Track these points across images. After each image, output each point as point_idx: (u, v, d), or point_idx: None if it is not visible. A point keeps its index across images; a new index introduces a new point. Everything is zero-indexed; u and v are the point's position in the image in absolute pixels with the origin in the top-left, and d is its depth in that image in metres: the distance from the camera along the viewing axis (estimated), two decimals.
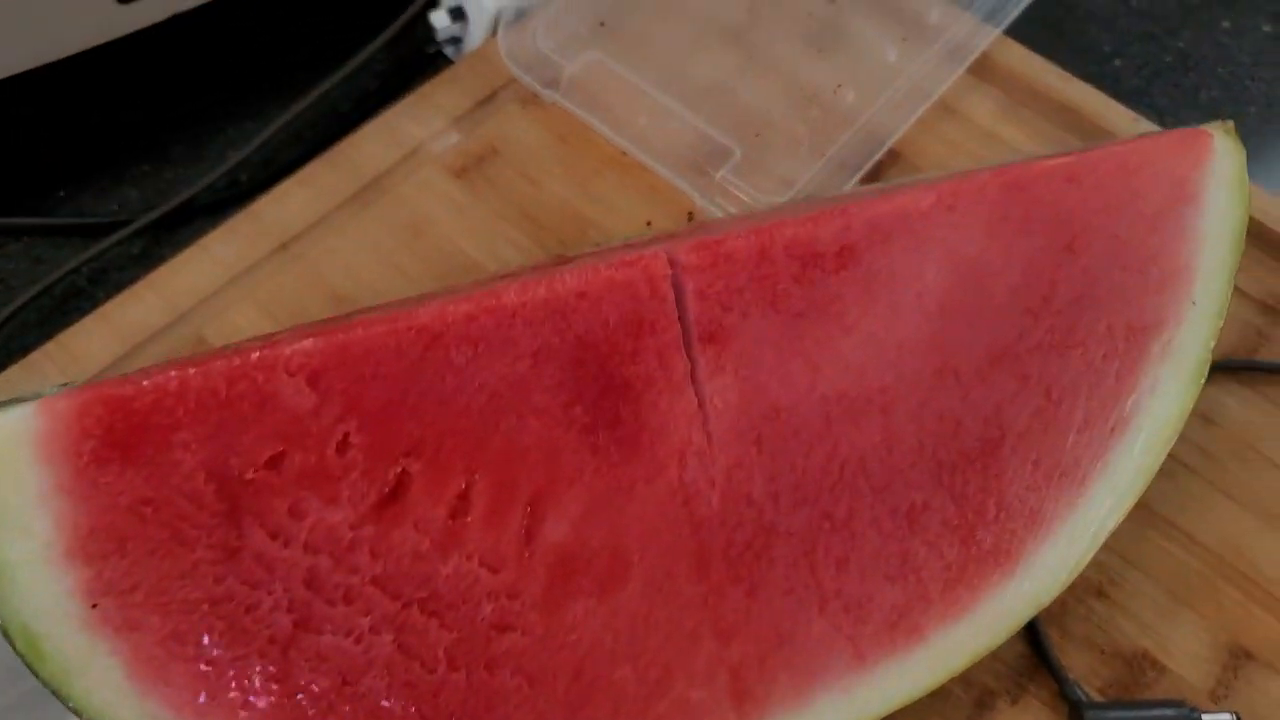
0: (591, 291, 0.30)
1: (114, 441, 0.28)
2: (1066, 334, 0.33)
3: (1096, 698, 0.38)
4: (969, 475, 0.32)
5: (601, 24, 0.53)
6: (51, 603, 0.27)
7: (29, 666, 0.28)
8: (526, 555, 0.30)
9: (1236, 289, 0.47)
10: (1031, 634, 0.39)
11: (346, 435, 0.29)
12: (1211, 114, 0.56)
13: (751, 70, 0.52)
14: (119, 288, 0.49)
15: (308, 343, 0.29)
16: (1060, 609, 0.40)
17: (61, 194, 0.52)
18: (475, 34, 0.54)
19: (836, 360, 0.32)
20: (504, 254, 0.48)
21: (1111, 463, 0.33)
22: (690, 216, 0.49)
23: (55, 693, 0.28)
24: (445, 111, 0.52)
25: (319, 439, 0.29)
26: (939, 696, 0.37)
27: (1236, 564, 0.41)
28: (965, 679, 0.38)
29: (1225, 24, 0.60)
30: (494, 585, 0.30)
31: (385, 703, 0.29)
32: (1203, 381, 0.34)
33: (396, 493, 0.29)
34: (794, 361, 0.31)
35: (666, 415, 0.31)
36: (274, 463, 0.29)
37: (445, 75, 0.53)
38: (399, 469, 0.29)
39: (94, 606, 0.27)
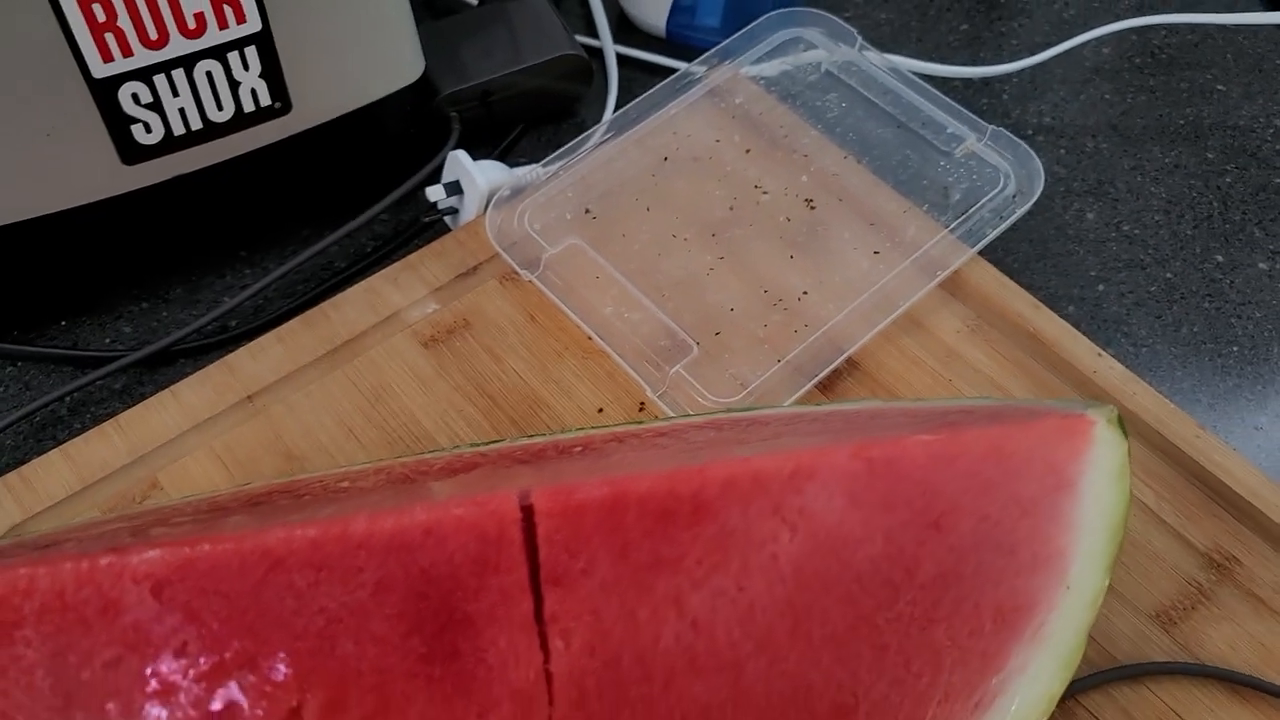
0: (439, 530, 0.31)
1: None
2: (930, 608, 0.32)
3: None
4: None
5: (587, 210, 0.55)
6: None
7: None
8: None
9: (1181, 538, 0.47)
10: None
11: (185, 645, 0.30)
12: (1192, 349, 0.56)
13: (722, 268, 0.53)
14: (95, 421, 0.51)
15: (154, 554, 0.30)
16: None
17: (62, 324, 0.55)
18: (469, 208, 0.57)
19: (684, 614, 0.32)
20: (456, 428, 0.50)
21: None
22: (641, 407, 0.50)
23: None
24: (427, 281, 0.54)
25: (157, 646, 0.30)
26: None
27: None
28: None
29: (1219, 258, 0.59)
30: None
31: None
32: (1075, 666, 0.33)
33: (229, 705, 0.30)
34: (640, 612, 0.32)
35: (506, 653, 0.31)
36: (111, 665, 0.30)
37: (434, 246, 0.55)
38: (233, 681, 0.30)
39: None
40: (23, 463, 0.48)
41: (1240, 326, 0.57)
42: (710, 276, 0.53)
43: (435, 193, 0.57)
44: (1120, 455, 0.34)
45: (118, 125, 0.47)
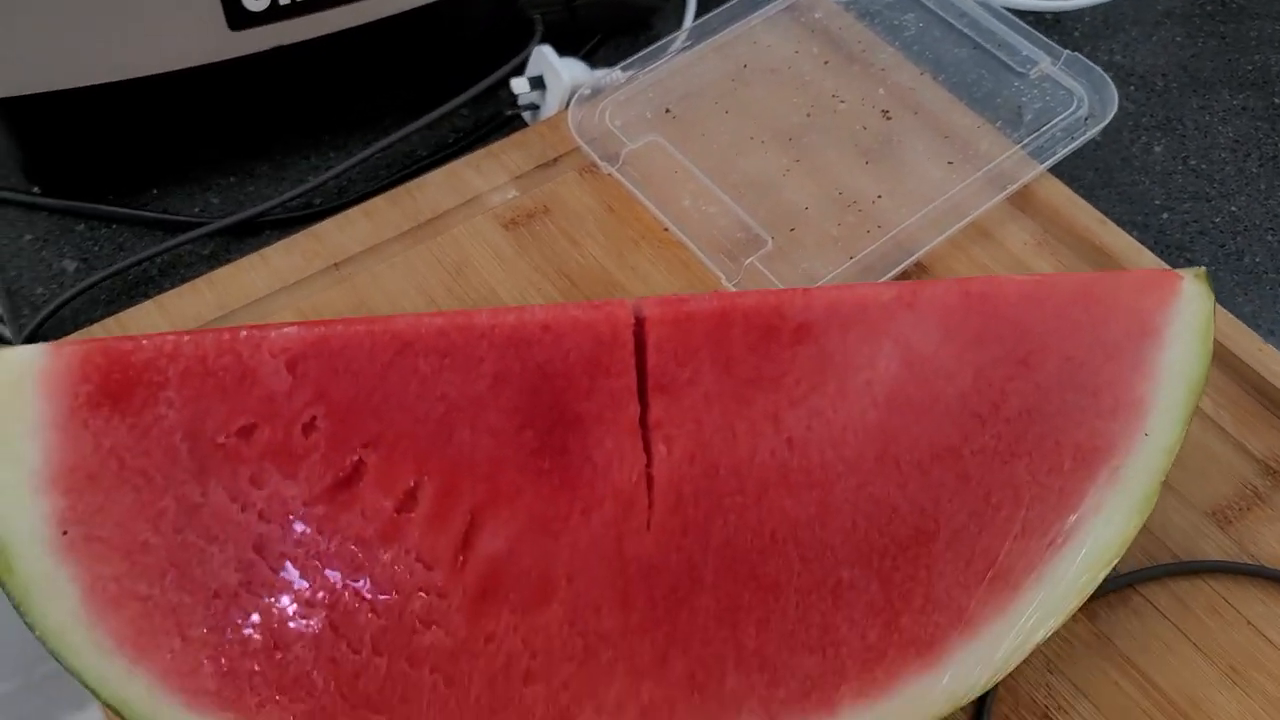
0: (556, 326, 0.33)
1: (107, 389, 0.31)
2: (1013, 443, 0.34)
3: None
4: (899, 562, 0.33)
5: (667, 110, 0.57)
6: (27, 524, 0.30)
7: None
8: (460, 560, 0.32)
9: (1240, 446, 0.48)
10: None
11: (314, 419, 0.32)
12: (1254, 278, 0.57)
13: (798, 170, 0.55)
14: (183, 281, 0.53)
15: (291, 330, 0.32)
16: None
17: (154, 191, 0.57)
18: (551, 104, 0.58)
19: (780, 430, 0.33)
20: (536, 303, 0.51)
21: (1046, 576, 0.34)
22: None
23: (16, 607, 0.31)
24: (509, 169, 0.56)
25: (288, 418, 0.31)
26: None
27: (1192, 715, 0.41)
28: None
29: None
30: (426, 582, 0.32)
31: (309, 674, 0.31)
32: (1149, 511, 0.35)
33: (350, 479, 0.32)
34: (740, 425, 0.33)
35: (612, 454, 0.33)
36: (244, 433, 0.31)
37: (515, 137, 0.57)
38: (356, 458, 0.32)
39: (64, 534, 0.30)
40: (113, 315, 0.50)
41: None
42: (786, 177, 0.55)
43: (520, 85, 0.58)
44: (1206, 311, 0.35)
45: None
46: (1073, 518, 0.34)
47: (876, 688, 0.33)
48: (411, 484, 0.32)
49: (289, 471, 0.31)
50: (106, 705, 0.31)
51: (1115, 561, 0.34)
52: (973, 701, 0.40)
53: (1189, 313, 0.35)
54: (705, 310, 0.34)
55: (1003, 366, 0.34)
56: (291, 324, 0.32)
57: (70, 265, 0.54)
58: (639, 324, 0.33)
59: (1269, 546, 0.45)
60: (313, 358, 0.32)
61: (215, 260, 0.55)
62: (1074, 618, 0.43)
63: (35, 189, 0.56)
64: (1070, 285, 0.35)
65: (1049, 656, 0.42)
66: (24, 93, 0.49)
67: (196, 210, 0.57)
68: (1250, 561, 0.44)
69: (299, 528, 0.31)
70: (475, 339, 0.32)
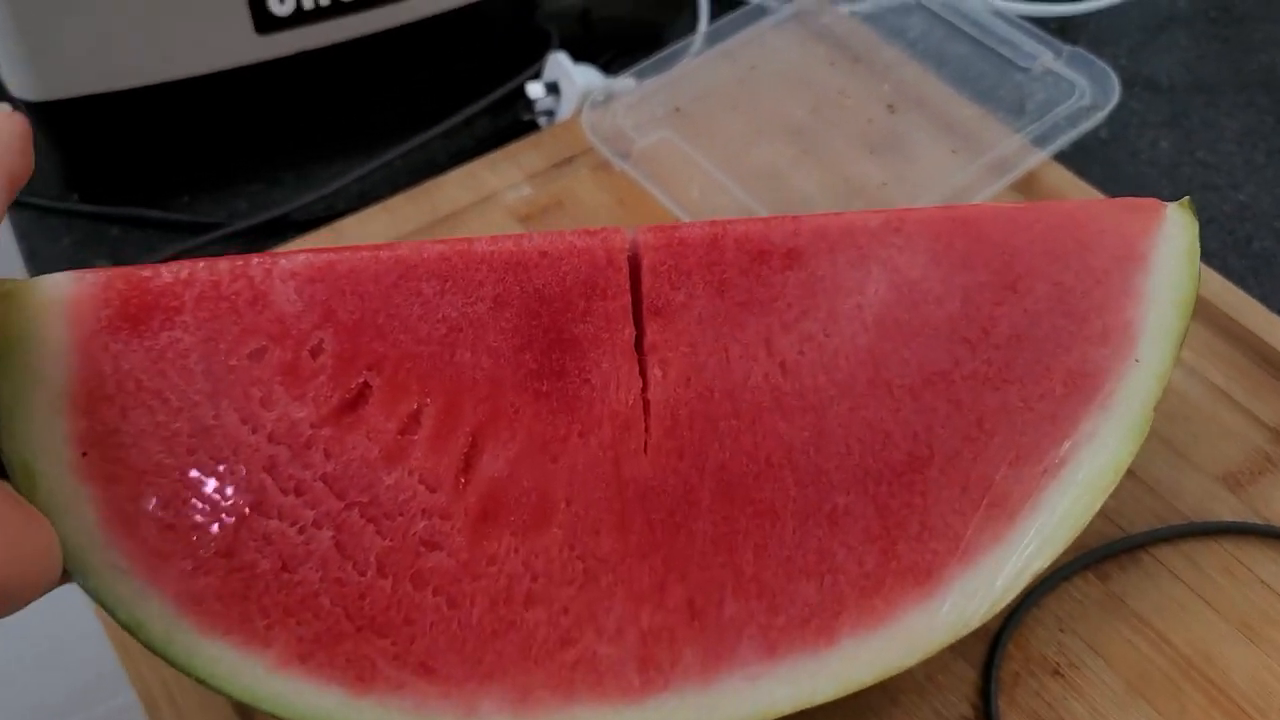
0: (554, 252, 0.34)
1: (127, 314, 0.32)
2: (1003, 368, 0.34)
3: None
4: (894, 488, 0.34)
5: (677, 109, 0.58)
6: (50, 444, 0.31)
7: (20, 494, 0.31)
8: (462, 482, 0.33)
9: (1250, 414, 0.47)
10: (982, 699, 0.39)
11: (321, 341, 0.33)
12: (1263, 261, 0.57)
13: (805, 162, 0.56)
14: None
15: (301, 257, 0.33)
16: (1012, 680, 0.40)
17: (186, 198, 0.59)
18: (566, 107, 0.60)
19: (774, 354, 0.34)
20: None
21: (1042, 503, 0.34)
22: None
23: None
24: (524, 168, 0.58)
25: (297, 340, 0.33)
26: None
27: (1206, 670, 0.40)
28: None
29: None
30: (429, 503, 0.32)
31: (316, 595, 0.32)
32: (1143, 438, 0.35)
33: (355, 401, 0.33)
34: (733, 348, 0.34)
35: (608, 376, 0.33)
36: (256, 355, 0.32)
37: (531, 139, 0.59)
38: (361, 380, 0.33)
39: (84, 455, 0.31)
40: None
41: None
42: (794, 168, 0.56)
43: (535, 90, 0.60)
44: (1191, 235, 0.36)
45: None
46: (1067, 444, 0.34)
47: (875, 617, 0.33)
48: (415, 405, 0.33)
49: (297, 393, 0.32)
50: (123, 626, 0.32)
51: (1111, 489, 0.35)
52: (983, 661, 0.40)
53: (1174, 238, 0.35)
54: (698, 236, 0.35)
55: (990, 291, 0.35)
56: (301, 250, 0.33)
57: (103, 265, 0.56)
58: (634, 249, 0.35)
59: None
60: (320, 281, 0.33)
61: None
62: (1085, 579, 0.43)
63: (75, 196, 0.59)
64: (1056, 212, 0.35)
65: (1060, 616, 0.42)
66: (62, 97, 0.52)
67: (225, 214, 0.59)
68: (1263, 523, 0.44)
69: (306, 449, 0.32)
70: (475, 263, 0.33)
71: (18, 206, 0.59)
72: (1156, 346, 0.35)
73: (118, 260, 0.56)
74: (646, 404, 0.34)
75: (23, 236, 0.58)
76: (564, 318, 0.33)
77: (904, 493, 0.34)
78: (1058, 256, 0.35)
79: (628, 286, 0.34)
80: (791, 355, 0.34)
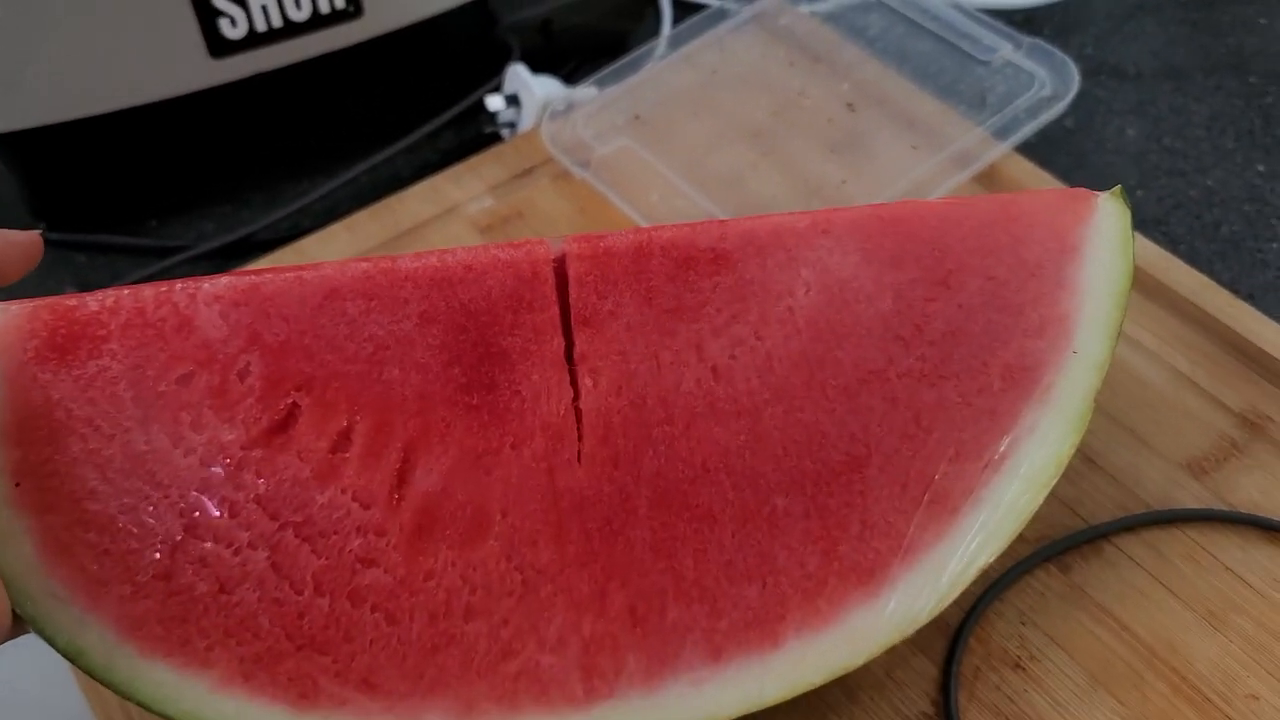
0: (478, 266, 0.34)
1: (54, 344, 0.32)
2: (939, 365, 0.34)
3: None
4: (833, 488, 0.33)
5: (637, 117, 0.58)
6: None
7: None
8: (396, 498, 0.33)
9: (1215, 400, 0.47)
10: (942, 694, 0.39)
11: (248, 364, 0.33)
12: (1231, 245, 0.57)
13: (765, 164, 0.56)
14: None
15: (224, 280, 0.33)
16: (972, 674, 0.40)
17: (153, 223, 0.60)
18: (527, 119, 0.60)
19: (705, 359, 0.34)
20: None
21: (985, 499, 0.34)
22: None
23: None
24: (486, 180, 0.58)
25: (224, 365, 0.33)
26: None
27: (1169, 659, 0.40)
28: None
29: (1260, 168, 0.60)
30: (363, 520, 0.32)
31: (255, 615, 0.32)
32: (1084, 430, 0.34)
33: (285, 422, 0.33)
34: (664, 355, 0.34)
35: (539, 387, 0.33)
36: (184, 380, 0.33)
37: (492, 152, 0.59)
38: (290, 400, 0.33)
39: (18, 485, 0.31)
40: None
41: None
42: (754, 171, 0.56)
43: (495, 102, 0.60)
44: (1123, 225, 0.35)
45: (207, 18, 0.52)
46: (1007, 439, 0.34)
47: (820, 618, 0.33)
48: (345, 424, 0.33)
49: (227, 416, 0.32)
50: (63, 655, 0.32)
51: (1054, 482, 0.34)
52: (944, 656, 0.40)
53: (1107, 228, 0.35)
54: (623, 244, 0.34)
55: (922, 288, 0.34)
56: (224, 275, 0.33)
57: (70, 291, 0.57)
58: (559, 261, 0.35)
59: (1247, 495, 0.44)
60: (245, 305, 0.33)
61: None
62: (1047, 571, 0.42)
63: (42, 225, 0.59)
64: (987, 206, 0.35)
65: (1021, 609, 0.41)
66: (24, 126, 0.53)
67: (193, 236, 0.59)
68: (1227, 509, 0.44)
69: (238, 471, 0.32)
70: (400, 281, 0.33)
71: None
72: (1094, 337, 0.34)
73: (85, 286, 0.57)
74: (579, 413, 0.34)
75: None
76: (492, 331, 0.33)
77: (843, 493, 0.33)
78: (990, 251, 0.35)
79: (555, 298, 0.34)
80: (723, 360, 0.34)
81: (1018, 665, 0.40)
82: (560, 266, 0.34)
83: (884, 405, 0.34)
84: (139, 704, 0.32)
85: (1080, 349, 0.34)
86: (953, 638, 0.41)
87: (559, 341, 0.34)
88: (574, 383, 0.34)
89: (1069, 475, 0.45)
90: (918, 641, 0.41)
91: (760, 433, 0.33)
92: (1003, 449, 0.34)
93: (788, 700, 0.33)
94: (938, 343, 0.34)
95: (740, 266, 0.34)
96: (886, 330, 0.34)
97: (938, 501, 0.34)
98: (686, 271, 0.34)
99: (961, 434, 0.34)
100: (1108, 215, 0.35)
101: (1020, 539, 0.43)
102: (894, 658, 0.40)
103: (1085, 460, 0.45)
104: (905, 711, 0.39)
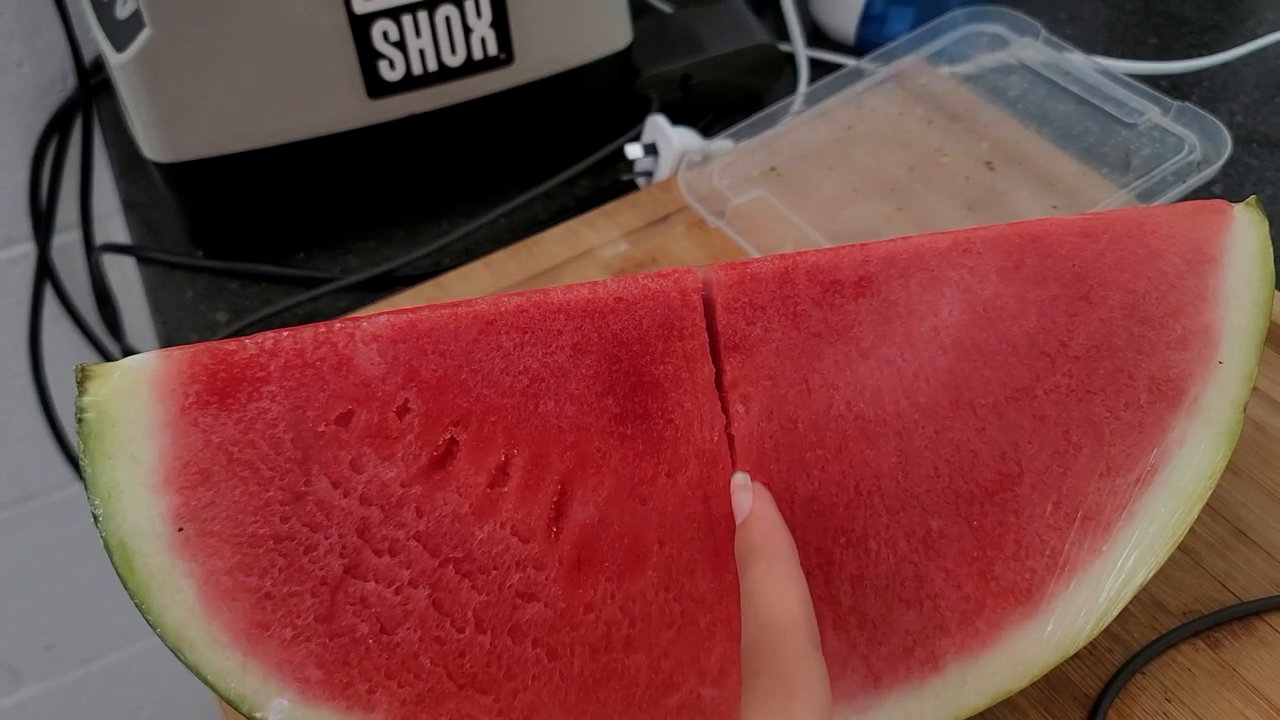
0: (629, 297, 0.34)
1: (214, 388, 0.33)
2: (1085, 379, 0.34)
3: None
4: (987, 508, 0.33)
5: (773, 169, 0.59)
6: (145, 523, 0.32)
7: (120, 578, 0.32)
8: (554, 531, 0.33)
9: None
10: None
11: (406, 402, 0.33)
12: None
13: (900, 218, 0.56)
14: None
15: (382, 319, 0.34)
16: None
17: (301, 255, 0.62)
18: (663, 168, 0.62)
19: (853, 382, 0.34)
20: None
21: (1138, 513, 0.33)
22: None
23: (138, 606, 0.32)
24: (621, 226, 0.59)
25: (383, 402, 0.33)
26: None
27: None
28: None
29: None
30: (523, 555, 0.32)
31: (416, 655, 0.32)
32: (1235, 443, 0.34)
33: (444, 458, 0.33)
34: (813, 378, 0.34)
35: (691, 415, 0.33)
36: (343, 419, 0.33)
37: (629, 199, 0.60)
38: (448, 436, 0.33)
39: (179, 530, 0.32)
40: None
41: None
42: (888, 225, 0.56)
43: (634, 150, 0.61)
44: (1261, 234, 0.35)
45: (368, 60, 0.54)
46: (1155, 451, 0.33)
47: (979, 640, 0.33)
48: (502, 458, 0.33)
49: (386, 454, 0.33)
50: (225, 700, 0.32)
51: (1208, 496, 0.33)
52: None
53: (1244, 238, 0.35)
54: (769, 270, 0.35)
55: (1065, 304, 0.34)
56: (381, 313, 0.34)
57: (222, 317, 0.59)
58: (707, 288, 0.35)
59: None
60: (402, 342, 0.33)
61: (350, 312, 0.59)
62: (1194, 646, 0.41)
63: (199, 253, 0.62)
64: (1123, 220, 0.35)
65: (1166, 685, 0.40)
66: (189, 158, 0.55)
67: (337, 269, 0.61)
68: None
69: (398, 509, 0.32)
70: (553, 314, 0.34)
71: (147, 262, 0.63)
72: (1238, 347, 0.34)
73: (236, 313, 0.59)
74: (731, 440, 0.34)
75: (150, 290, 0.61)
76: (643, 360, 0.34)
77: (997, 512, 0.33)
78: (1128, 265, 0.34)
79: (704, 325, 0.34)
80: (871, 381, 0.34)
81: None
82: (707, 294, 0.35)
83: (1033, 422, 0.33)
84: None
85: (1225, 359, 0.34)
86: (1091, 709, 0.39)
87: (709, 368, 0.34)
88: (725, 409, 0.34)
89: (1219, 549, 0.43)
90: (1052, 709, 0.39)
91: (911, 454, 0.33)
92: (1152, 462, 0.33)
93: None
94: (1082, 358, 0.34)
95: (884, 288, 0.34)
96: (1032, 347, 0.34)
97: (1091, 518, 0.33)
98: (831, 295, 0.34)
99: (1111, 449, 0.33)
100: (1244, 225, 0.35)
101: (1165, 612, 0.42)
102: None
103: (1237, 534, 0.43)
104: None
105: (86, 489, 0.32)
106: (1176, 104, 0.57)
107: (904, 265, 0.35)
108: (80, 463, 0.32)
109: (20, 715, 1.12)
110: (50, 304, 0.83)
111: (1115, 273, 0.34)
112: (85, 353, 0.87)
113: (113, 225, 0.82)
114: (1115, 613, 0.33)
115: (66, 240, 0.81)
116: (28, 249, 0.81)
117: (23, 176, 0.77)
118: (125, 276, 0.83)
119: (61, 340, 0.85)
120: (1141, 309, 0.34)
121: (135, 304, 0.84)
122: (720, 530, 0.33)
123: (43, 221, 0.78)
